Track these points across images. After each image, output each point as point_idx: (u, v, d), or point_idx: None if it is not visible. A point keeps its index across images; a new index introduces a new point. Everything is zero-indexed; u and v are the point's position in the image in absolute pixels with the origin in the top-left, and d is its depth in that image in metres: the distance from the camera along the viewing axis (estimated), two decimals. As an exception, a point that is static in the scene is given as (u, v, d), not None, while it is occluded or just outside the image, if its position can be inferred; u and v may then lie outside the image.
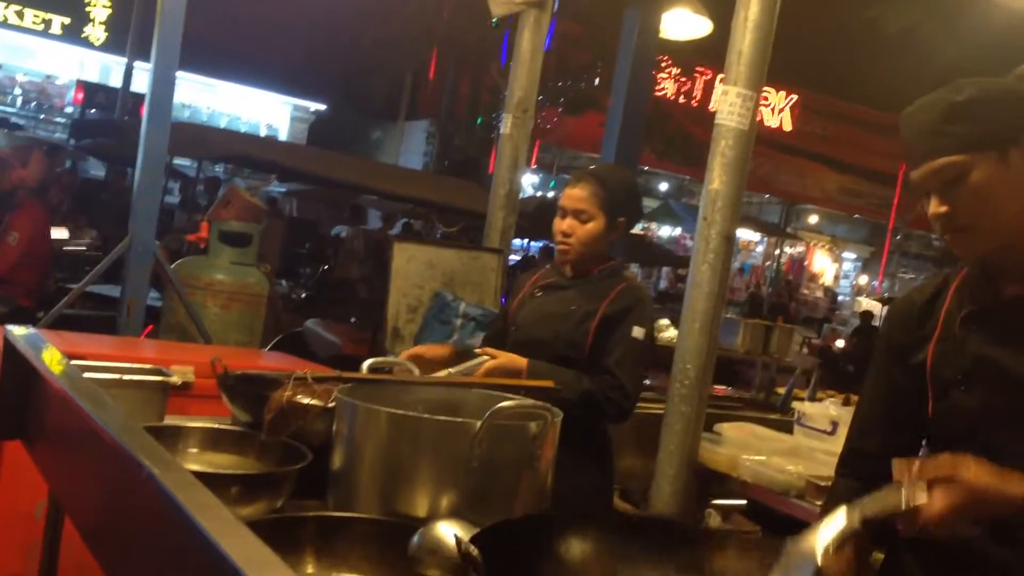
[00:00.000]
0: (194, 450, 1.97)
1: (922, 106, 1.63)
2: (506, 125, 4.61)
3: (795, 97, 22.59)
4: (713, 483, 3.36)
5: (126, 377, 2.28)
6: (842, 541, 1.30)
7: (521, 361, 2.55)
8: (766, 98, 22.02)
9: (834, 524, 1.32)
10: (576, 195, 2.69)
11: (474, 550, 1.23)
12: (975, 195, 1.56)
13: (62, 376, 1.92)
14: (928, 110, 1.62)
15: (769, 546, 1.38)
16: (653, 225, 25.99)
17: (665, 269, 22.00)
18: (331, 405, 1.84)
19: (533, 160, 20.22)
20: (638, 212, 2.86)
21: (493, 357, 2.51)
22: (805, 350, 19.87)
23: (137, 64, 15.15)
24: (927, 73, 15.46)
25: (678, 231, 25.03)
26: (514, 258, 14.50)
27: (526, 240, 17.10)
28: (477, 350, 2.56)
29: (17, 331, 2.13)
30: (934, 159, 1.59)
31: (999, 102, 1.56)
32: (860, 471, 1.84)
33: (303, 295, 14.37)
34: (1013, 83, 1.58)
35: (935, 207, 1.62)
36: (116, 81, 16.83)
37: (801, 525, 2.96)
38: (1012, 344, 1.59)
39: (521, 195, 4.87)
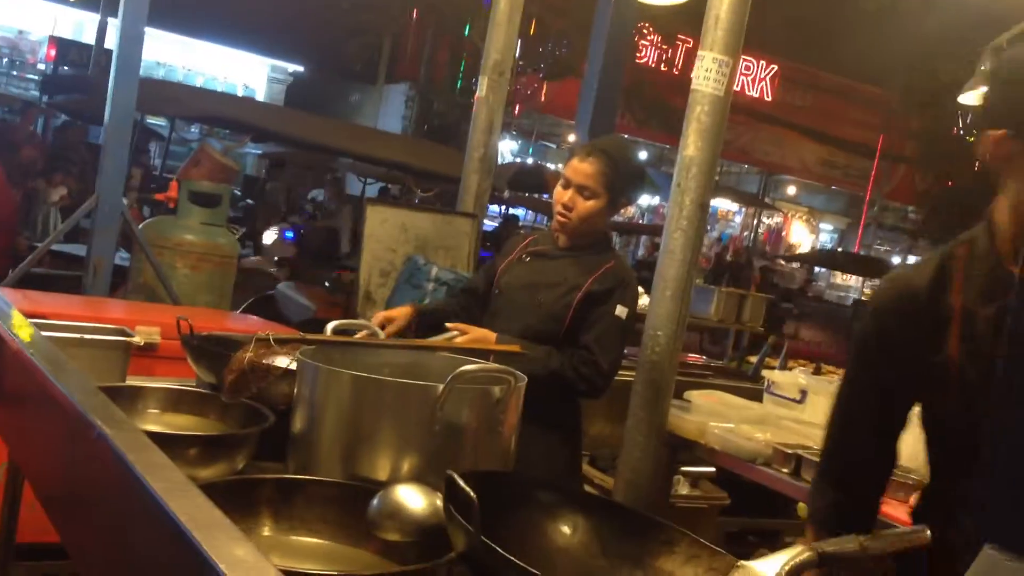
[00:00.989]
0: (154, 411, 1.95)
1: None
2: (482, 88, 4.55)
3: (776, 67, 22.54)
4: (682, 450, 3.37)
5: (87, 336, 2.24)
6: (797, 571, 1.28)
7: (490, 336, 2.53)
8: (748, 68, 21.97)
9: (791, 553, 1.31)
10: (584, 170, 2.64)
11: (466, 486, 1.22)
12: None
13: (19, 335, 1.88)
14: None
15: (719, 559, 1.36)
16: (632, 194, 25.93)
17: (643, 238, 22.03)
18: (293, 367, 1.81)
19: (511, 127, 20.13)
20: (640, 192, 2.85)
21: (464, 332, 2.49)
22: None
23: (111, 20, 14.84)
24: (907, 45, 15.49)
25: (656, 200, 25.03)
26: (489, 224, 14.46)
27: (503, 207, 17.05)
28: (448, 324, 2.53)
29: (-26, 289, 2.08)
30: None
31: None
32: (844, 480, 1.78)
33: (275, 259, 14.29)
34: None
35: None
36: (89, 37, 16.54)
37: (768, 492, 3.00)
38: None
39: (500, 161, 4.82)
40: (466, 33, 16.60)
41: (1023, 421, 1.51)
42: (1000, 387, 1.53)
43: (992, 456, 1.50)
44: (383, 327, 2.55)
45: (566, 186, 2.67)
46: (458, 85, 17.74)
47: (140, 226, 5.36)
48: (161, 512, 1.04)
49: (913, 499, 2.59)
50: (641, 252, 21.57)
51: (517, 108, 18.47)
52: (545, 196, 13.73)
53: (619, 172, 2.66)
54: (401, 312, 2.61)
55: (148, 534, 1.11)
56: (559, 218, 2.69)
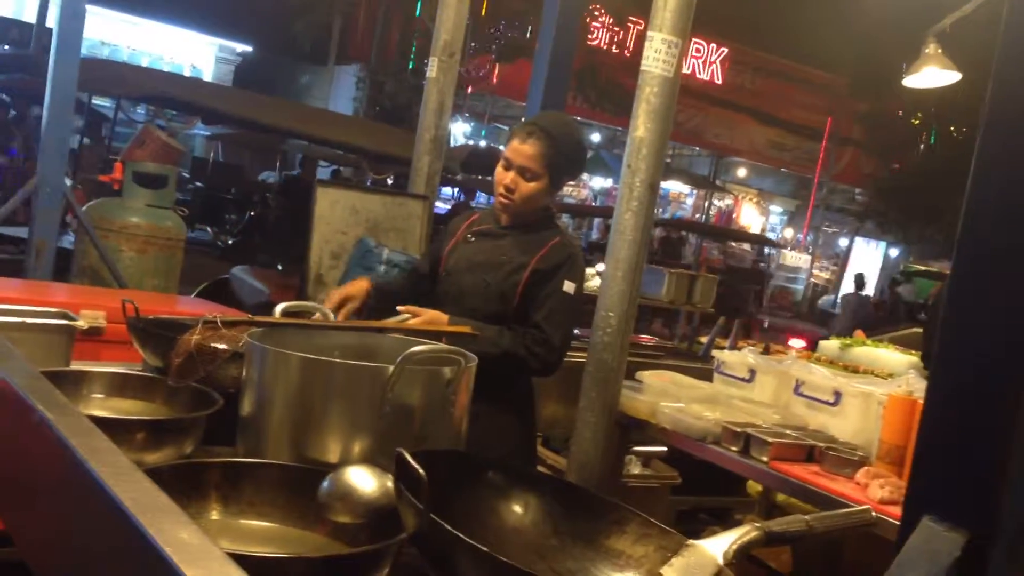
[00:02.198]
0: (99, 395, 1.91)
1: None
2: (432, 69, 4.53)
3: (725, 50, 22.70)
4: (633, 430, 3.40)
5: (28, 320, 2.19)
6: (745, 549, 1.30)
7: (443, 318, 2.52)
8: (698, 51, 22.10)
9: (738, 533, 1.33)
10: (524, 151, 2.63)
11: (415, 464, 1.22)
12: None
13: (-43, 319, 1.84)
14: None
15: (669, 538, 1.38)
16: (585, 176, 26.06)
17: (597, 220, 22.12)
18: (241, 349, 1.79)
19: (464, 109, 20.05)
20: (581, 167, 2.86)
21: (415, 315, 2.48)
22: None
23: (52, -2, 14.52)
24: (854, 29, 15.67)
25: (609, 182, 25.13)
26: (442, 206, 14.42)
27: (456, 189, 17.01)
28: (399, 307, 2.52)
29: (-91, 272, 2.03)
30: None
31: None
32: None
33: (230, 241, 14.12)
34: None
35: None
36: (30, 16, 16.10)
37: (718, 471, 3.03)
38: None
39: (453, 143, 4.80)
40: (417, 13, 16.47)
41: None
42: None
43: None
44: (341, 306, 2.53)
45: (507, 167, 2.66)
46: (410, 66, 17.61)
47: (84, 208, 5.25)
48: (105, 497, 1.03)
49: (859, 476, 2.64)
50: (595, 235, 21.66)
51: (469, 89, 18.40)
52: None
53: (560, 152, 2.65)
54: (357, 287, 2.59)
55: (93, 519, 1.10)
56: (501, 199, 2.69)
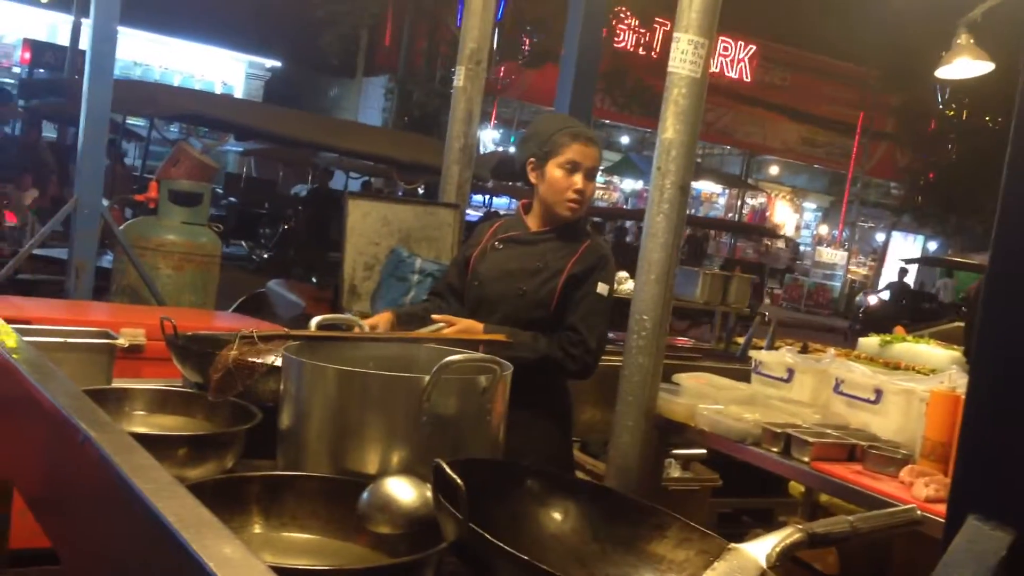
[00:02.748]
0: (141, 412, 1.94)
1: None
2: (459, 77, 4.54)
3: (754, 48, 22.57)
4: (672, 433, 3.38)
5: (70, 340, 2.23)
6: (788, 552, 1.29)
7: (478, 327, 2.53)
8: (726, 49, 21.99)
9: (781, 535, 1.31)
10: (594, 155, 2.68)
11: (453, 474, 1.22)
12: None
13: (3, 342, 1.87)
14: None
15: (710, 541, 1.37)
16: (615, 179, 26.01)
17: (630, 223, 22.06)
18: (279, 363, 1.81)
19: (492, 117, 20.08)
20: None
21: (451, 324, 2.48)
22: (767, 300, 20.11)
23: (84, 21, 14.71)
24: (883, 21, 15.51)
25: (640, 184, 25.05)
26: (473, 214, 14.45)
27: (487, 196, 17.05)
28: (434, 316, 2.53)
29: (-46, 296, 2.07)
30: None
31: None
32: None
33: (265, 256, 14.27)
34: None
35: None
36: (64, 39, 16.40)
37: (759, 472, 3.01)
38: None
39: (482, 151, 4.81)
40: (458, 23, 16.53)
41: None
42: None
43: None
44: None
45: (574, 171, 2.65)
46: (437, 75, 17.70)
47: (121, 227, 5.32)
48: (149, 513, 1.04)
49: (903, 474, 2.61)
50: (629, 237, 21.60)
51: (496, 97, 18.45)
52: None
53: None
54: (381, 319, 2.59)
55: (137, 536, 1.11)
56: (572, 204, 2.67)
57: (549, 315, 2.63)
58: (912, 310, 16.12)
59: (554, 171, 2.65)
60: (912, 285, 21.39)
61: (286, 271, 10.08)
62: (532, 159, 2.70)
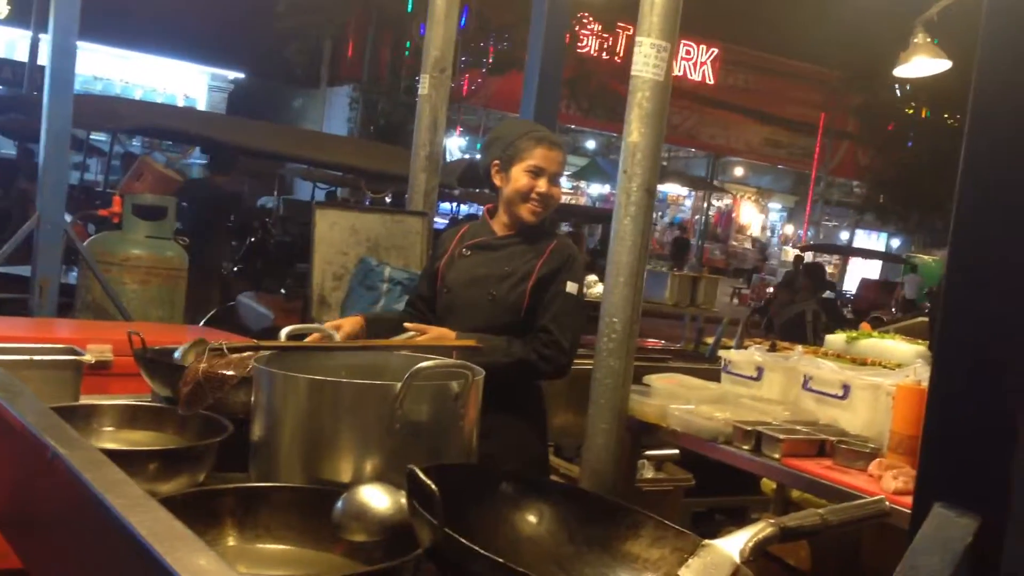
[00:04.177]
0: (110, 428, 1.92)
1: None
2: (424, 86, 4.54)
3: (716, 50, 22.76)
4: (644, 434, 3.39)
5: (36, 358, 2.21)
6: (761, 546, 1.31)
7: (450, 334, 2.53)
8: (689, 52, 22.15)
9: (753, 530, 1.33)
10: (558, 159, 2.72)
11: (427, 479, 1.22)
12: None
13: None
14: None
15: (684, 539, 1.38)
16: (582, 183, 26.10)
17: (600, 226, 22.13)
18: (249, 375, 1.80)
19: (458, 124, 20.08)
20: None
21: (423, 332, 2.48)
22: (735, 300, 20.26)
23: (43, 36, 14.55)
24: (842, 22, 15.71)
25: (607, 188, 25.16)
26: (441, 222, 14.43)
27: (455, 204, 17.03)
28: (407, 324, 2.53)
29: (-85, 316, 2.04)
30: None
31: None
32: None
33: (234, 268, 14.15)
34: None
35: None
36: (22, 55, 16.19)
37: (731, 470, 3.03)
38: None
39: (448, 158, 4.81)
40: (422, 32, 16.53)
41: None
42: None
43: None
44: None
45: (538, 174, 2.67)
46: (401, 84, 17.67)
47: (85, 243, 5.27)
48: (122, 528, 1.03)
49: (872, 467, 2.64)
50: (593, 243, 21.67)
51: (461, 105, 18.46)
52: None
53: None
54: (351, 322, 2.58)
55: (110, 551, 1.11)
56: (536, 207, 2.69)
57: (520, 319, 2.64)
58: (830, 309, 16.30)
59: (518, 175, 2.67)
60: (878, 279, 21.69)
61: (255, 284, 9.99)
62: (496, 162, 2.72)
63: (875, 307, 17.32)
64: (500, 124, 3.10)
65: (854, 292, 21.45)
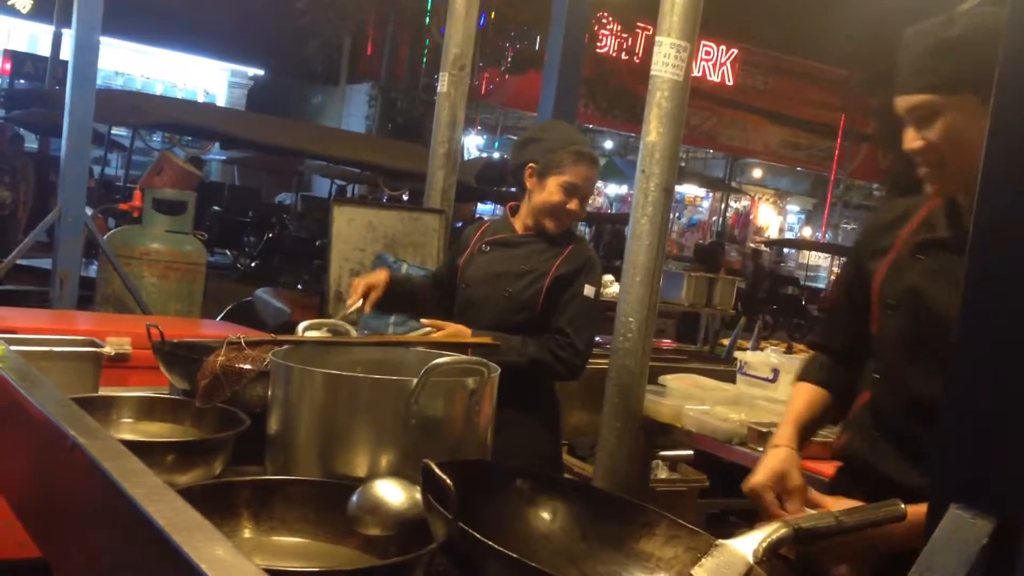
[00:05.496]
0: (128, 420, 1.94)
1: (917, 34, 1.58)
2: (443, 83, 4.55)
3: (736, 51, 22.67)
4: (659, 435, 3.40)
5: (56, 349, 2.22)
6: (775, 547, 1.31)
7: (466, 331, 2.54)
8: (708, 53, 22.08)
9: (768, 530, 1.33)
10: (594, 179, 2.73)
11: (442, 474, 1.23)
12: (946, 136, 1.54)
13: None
14: (919, 41, 1.57)
15: (698, 538, 1.38)
16: (600, 183, 26.06)
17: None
18: (266, 368, 1.81)
19: (476, 123, 20.11)
20: None
21: (438, 328, 2.50)
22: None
23: (65, 31, 14.67)
24: (863, 22, 15.62)
25: (624, 189, 25.12)
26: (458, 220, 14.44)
27: (473, 203, 17.03)
28: (423, 321, 2.54)
29: (-61, 306, 2.07)
30: (911, 94, 1.57)
31: (986, 44, 1.42)
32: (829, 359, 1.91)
33: (251, 264, 14.23)
34: None
35: (909, 140, 1.60)
36: (44, 50, 16.33)
37: (745, 472, 3.02)
38: (943, 279, 1.58)
39: (466, 156, 4.82)
40: (427, 21, 16.55)
41: (903, 350, 1.64)
42: (895, 312, 1.66)
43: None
44: (366, 295, 2.60)
45: (572, 193, 2.67)
46: (420, 82, 17.70)
47: (105, 237, 5.31)
48: (140, 517, 1.05)
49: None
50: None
51: (479, 103, 18.47)
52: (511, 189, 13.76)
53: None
54: (378, 276, 2.66)
55: (128, 540, 1.12)
56: (562, 223, 2.72)
57: (535, 317, 2.65)
58: (773, 294, 16.29)
59: (553, 188, 2.67)
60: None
61: (271, 279, 10.04)
62: (533, 165, 2.70)
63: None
64: (544, 124, 3.10)
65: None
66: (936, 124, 1.55)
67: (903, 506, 1.42)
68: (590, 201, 2.88)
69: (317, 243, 11.54)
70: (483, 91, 17.55)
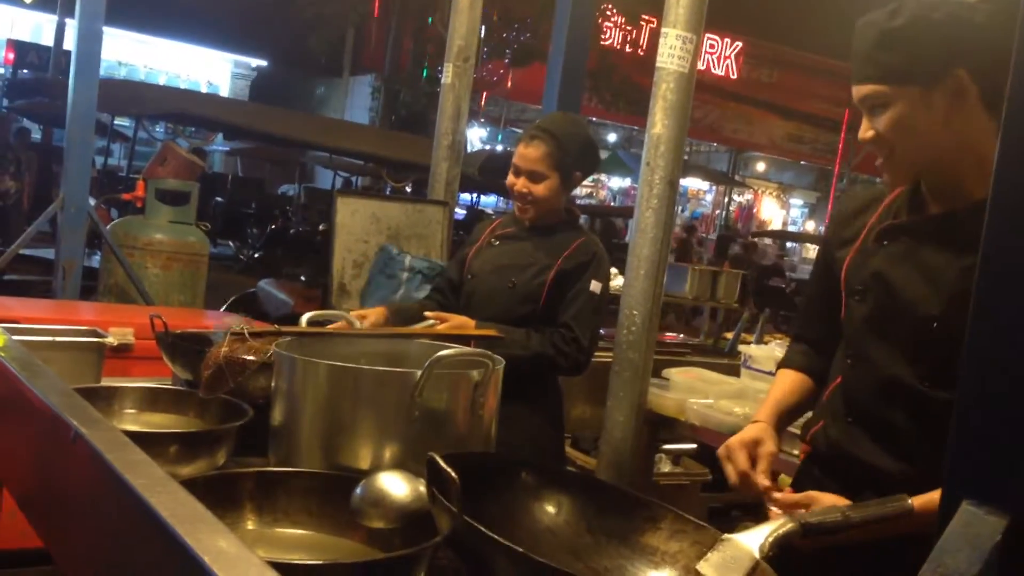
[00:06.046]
0: (131, 410, 1.93)
1: (865, 24, 1.60)
2: (447, 75, 4.54)
3: (740, 44, 22.62)
4: (662, 428, 3.39)
5: (59, 339, 2.22)
6: (781, 542, 1.30)
7: (470, 323, 2.53)
8: (713, 46, 22.03)
9: (776, 525, 1.32)
10: (530, 156, 2.65)
11: (447, 467, 1.22)
12: (892, 127, 1.56)
13: (-11, 340, 1.86)
14: (866, 32, 1.59)
15: (704, 533, 1.37)
16: (603, 176, 26.04)
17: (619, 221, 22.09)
18: (270, 360, 1.80)
19: (480, 115, 20.07)
20: (594, 163, 2.82)
21: (443, 320, 2.49)
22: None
23: (68, 21, 14.65)
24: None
25: (628, 182, 25.09)
26: (460, 212, 14.45)
27: (475, 194, 17.03)
28: (427, 313, 2.54)
29: (-59, 295, 2.06)
30: (862, 83, 1.59)
31: (931, 34, 1.50)
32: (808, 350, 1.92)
33: (254, 255, 14.23)
34: (956, 10, 1.51)
35: (862, 130, 1.63)
36: (48, 39, 16.32)
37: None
38: (907, 263, 1.61)
39: (469, 148, 4.81)
40: (429, 20, 16.53)
41: (869, 335, 1.65)
42: (862, 298, 1.67)
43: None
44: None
45: (517, 173, 2.68)
46: (424, 74, 17.67)
47: (108, 227, 5.30)
48: (143, 508, 1.04)
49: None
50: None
51: (484, 95, 18.44)
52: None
53: (564, 149, 2.65)
54: (374, 312, 2.59)
55: (131, 532, 1.11)
56: (520, 205, 2.72)
57: (539, 309, 2.64)
58: (760, 287, 16.28)
59: (508, 175, 2.70)
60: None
61: (274, 271, 10.04)
62: None
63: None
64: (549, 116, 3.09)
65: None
66: (884, 115, 1.57)
67: (910, 501, 1.41)
68: (592, 194, 2.86)
69: (321, 227, 11.50)
70: (488, 82, 17.51)
